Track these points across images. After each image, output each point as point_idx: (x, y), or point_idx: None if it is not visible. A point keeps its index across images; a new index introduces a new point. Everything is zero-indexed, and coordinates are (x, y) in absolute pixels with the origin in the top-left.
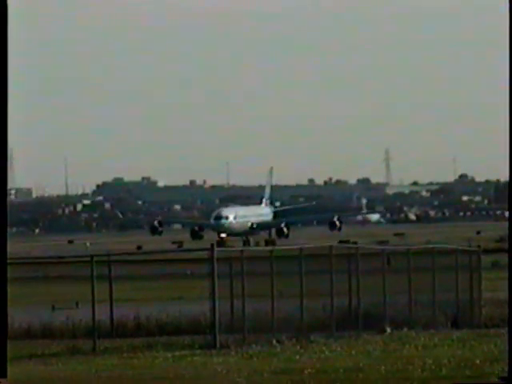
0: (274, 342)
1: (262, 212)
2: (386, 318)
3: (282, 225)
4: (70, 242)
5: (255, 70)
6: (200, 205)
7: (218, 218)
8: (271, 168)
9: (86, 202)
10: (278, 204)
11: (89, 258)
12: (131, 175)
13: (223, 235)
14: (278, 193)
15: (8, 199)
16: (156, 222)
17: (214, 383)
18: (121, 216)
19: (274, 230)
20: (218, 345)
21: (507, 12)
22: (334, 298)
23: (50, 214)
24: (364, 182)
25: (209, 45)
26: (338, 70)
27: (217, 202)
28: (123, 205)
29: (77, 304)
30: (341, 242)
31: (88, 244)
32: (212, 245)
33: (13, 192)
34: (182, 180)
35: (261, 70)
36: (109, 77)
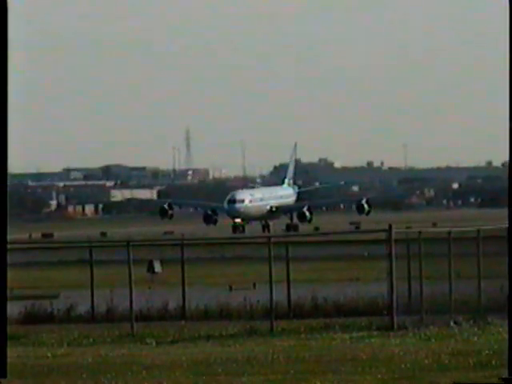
0: (452, 323)
1: (283, 194)
2: None
3: (305, 208)
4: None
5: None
6: (378, 186)
7: (232, 201)
8: (295, 144)
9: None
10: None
11: (266, 240)
12: (308, 156)
13: (238, 220)
14: (457, 174)
15: (184, 180)
16: (166, 205)
17: (392, 365)
18: None
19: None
20: (395, 326)
21: (507, 12)
22: None
23: (226, 195)
24: None
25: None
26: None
27: (394, 183)
28: (300, 186)
29: (254, 285)
30: None
31: None
32: (390, 226)
33: (190, 173)
34: (359, 161)
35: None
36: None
